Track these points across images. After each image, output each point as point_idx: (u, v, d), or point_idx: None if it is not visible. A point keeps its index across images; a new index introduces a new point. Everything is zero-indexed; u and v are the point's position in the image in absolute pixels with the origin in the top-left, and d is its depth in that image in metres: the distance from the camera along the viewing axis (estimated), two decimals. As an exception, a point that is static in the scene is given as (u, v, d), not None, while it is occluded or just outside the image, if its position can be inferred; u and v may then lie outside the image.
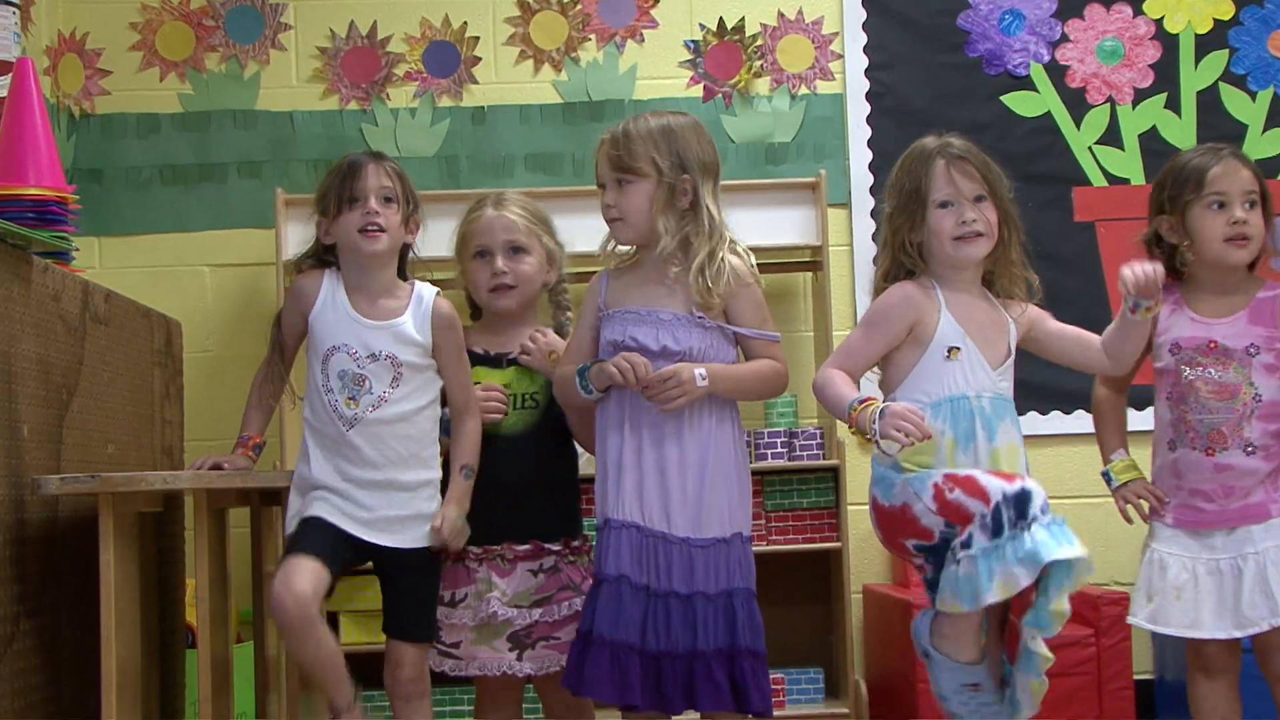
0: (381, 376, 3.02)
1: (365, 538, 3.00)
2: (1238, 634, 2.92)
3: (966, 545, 2.70)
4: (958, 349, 2.86)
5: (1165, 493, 3.03)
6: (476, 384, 3.13)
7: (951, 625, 2.80)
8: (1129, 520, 3.10)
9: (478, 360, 3.19)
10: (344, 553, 2.99)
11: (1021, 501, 2.69)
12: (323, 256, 3.12)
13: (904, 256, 2.92)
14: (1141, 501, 3.07)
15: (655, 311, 2.96)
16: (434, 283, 3.15)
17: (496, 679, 3.10)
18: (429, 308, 3.08)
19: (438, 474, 3.08)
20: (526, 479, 3.14)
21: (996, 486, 2.72)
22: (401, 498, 3.02)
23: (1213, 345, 2.96)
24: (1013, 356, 2.94)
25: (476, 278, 3.22)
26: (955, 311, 2.89)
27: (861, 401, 2.80)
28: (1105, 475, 3.12)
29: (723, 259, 2.94)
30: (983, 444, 2.83)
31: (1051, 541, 2.66)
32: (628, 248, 3.03)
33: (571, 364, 3.02)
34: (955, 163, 2.86)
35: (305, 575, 2.86)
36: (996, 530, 2.68)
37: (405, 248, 3.14)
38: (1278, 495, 2.96)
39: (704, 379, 2.89)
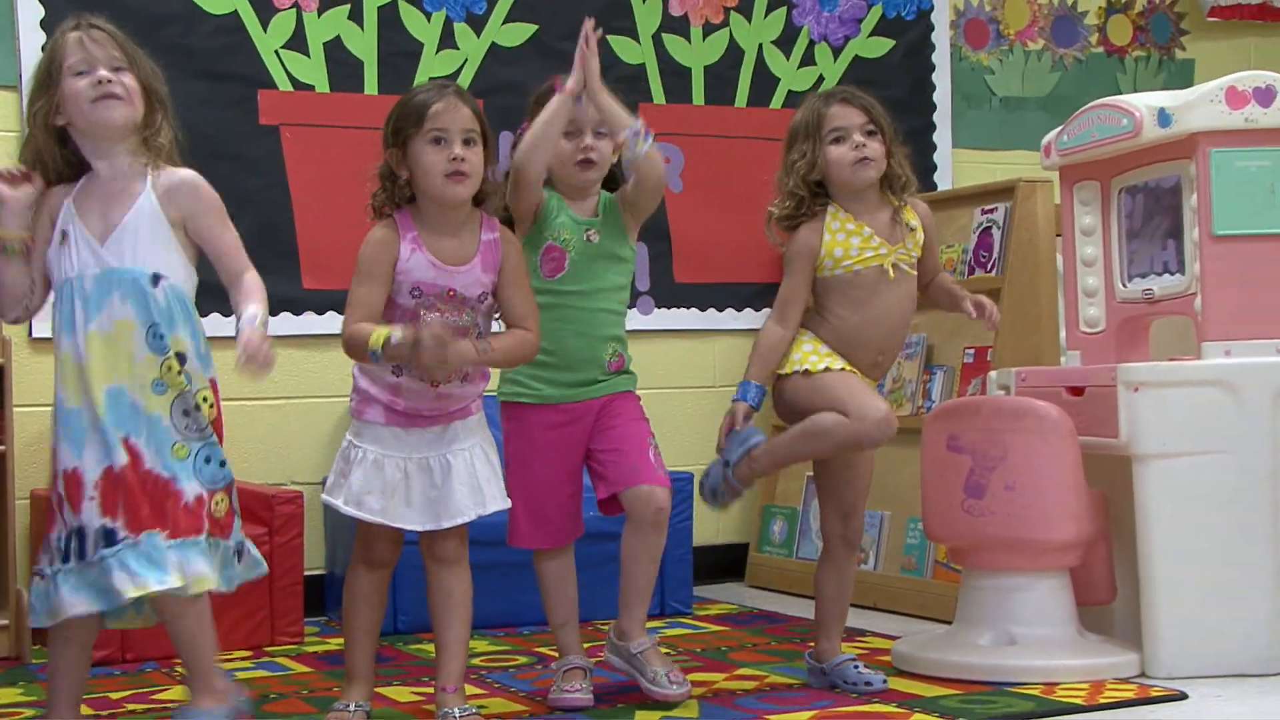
0: None
1: None
2: (447, 524, 3.09)
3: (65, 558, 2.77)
4: (65, 233, 2.81)
5: (390, 403, 3.10)
6: None
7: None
8: None
9: None
10: None
11: (81, 539, 2.74)
12: None
13: (44, 136, 2.84)
14: None
15: None
16: None
17: None
18: None
19: None
20: None
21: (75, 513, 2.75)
22: None
23: (451, 293, 3.08)
24: (125, 226, 2.82)
25: None
26: (77, 200, 2.84)
27: None
28: (373, 354, 2.99)
29: None
30: (80, 327, 2.76)
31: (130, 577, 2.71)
32: None
33: None
34: (90, 32, 2.83)
35: None
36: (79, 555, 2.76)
37: None
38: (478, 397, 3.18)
39: None
